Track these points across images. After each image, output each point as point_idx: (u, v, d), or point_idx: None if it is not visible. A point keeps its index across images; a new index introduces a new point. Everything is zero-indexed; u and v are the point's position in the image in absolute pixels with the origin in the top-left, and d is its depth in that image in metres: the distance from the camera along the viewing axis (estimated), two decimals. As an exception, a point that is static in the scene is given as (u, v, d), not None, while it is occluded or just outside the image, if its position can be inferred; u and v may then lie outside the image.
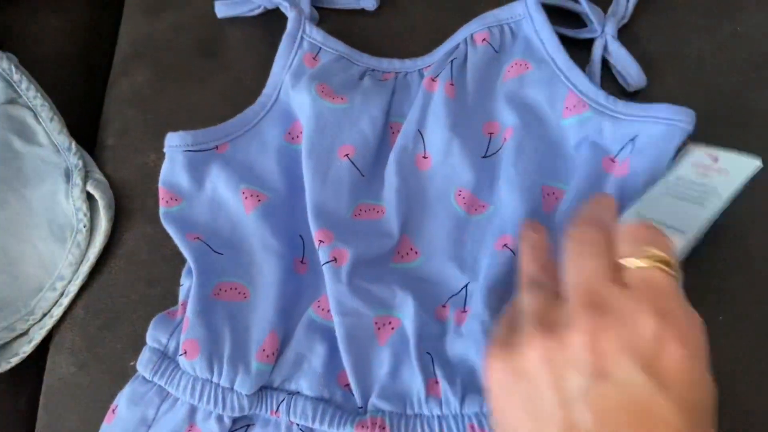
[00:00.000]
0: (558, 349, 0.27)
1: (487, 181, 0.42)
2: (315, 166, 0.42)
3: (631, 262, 0.29)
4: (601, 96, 0.42)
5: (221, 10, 0.51)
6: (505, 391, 0.29)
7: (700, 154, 0.41)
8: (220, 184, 0.43)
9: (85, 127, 0.52)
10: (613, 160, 0.41)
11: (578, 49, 0.45)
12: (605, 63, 0.45)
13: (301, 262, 0.43)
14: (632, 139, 0.40)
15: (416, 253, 0.41)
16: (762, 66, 0.46)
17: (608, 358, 0.26)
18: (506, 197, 0.41)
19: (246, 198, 0.43)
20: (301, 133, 0.45)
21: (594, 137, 0.41)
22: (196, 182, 0.43)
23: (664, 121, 0.40)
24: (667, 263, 0.28)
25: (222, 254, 0.42)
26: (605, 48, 0.45)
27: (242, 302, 0.41)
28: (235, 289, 0.41)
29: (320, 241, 0.40)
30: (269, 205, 0.43)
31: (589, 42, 0.46)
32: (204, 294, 0.40)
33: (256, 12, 0.50)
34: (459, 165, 0.42)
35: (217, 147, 0.45)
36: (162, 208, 0.43)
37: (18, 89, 0.50)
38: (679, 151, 0.40)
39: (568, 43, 0.45)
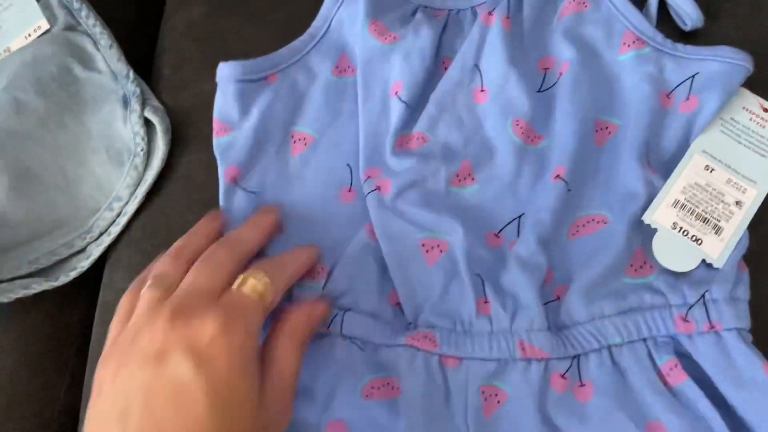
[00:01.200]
0: (129, 341, 0.32)
1: (542, 114, 0.43)
2: (369, 106, 0.44)
3: (237, 284, 0.35)
4: (658, 36, 0.43)
5: None
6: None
7: (751, 100, 0.42)
8: (270, 118, 0.44)
9: (140, 58, 0.53)
10: (669, 96, 0.42)
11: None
12: (662, 3, 0.45)
13: (349, 191, 0.44)
14: (692, 77, 0.41)
15: (473, 179, 0.42)
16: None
17: (168, 349, 0.31)
18: (561, 130, 0.42)
19: (294, 142, 0.44)
20: (348, 66, 0.46)
21: (652, 73, 0.42)
22: (245, 112, 0.45)
23: (726, 60, 0.40)
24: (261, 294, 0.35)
25: (255, 193, 0.43)
26: (661, -12, 0.45)
27: (279, 235, 0.42)
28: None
29: (368, 176, 0.42)
30: (316, 146, 0.44)
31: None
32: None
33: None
34: (516, 96, 0.43)
35: (266, 77, 0.46)
36: (214, 139, 0.44)
37: (78, 17, 0.51)
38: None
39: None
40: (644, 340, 0.37)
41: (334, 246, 0.42)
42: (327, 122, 0.45)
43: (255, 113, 0.44)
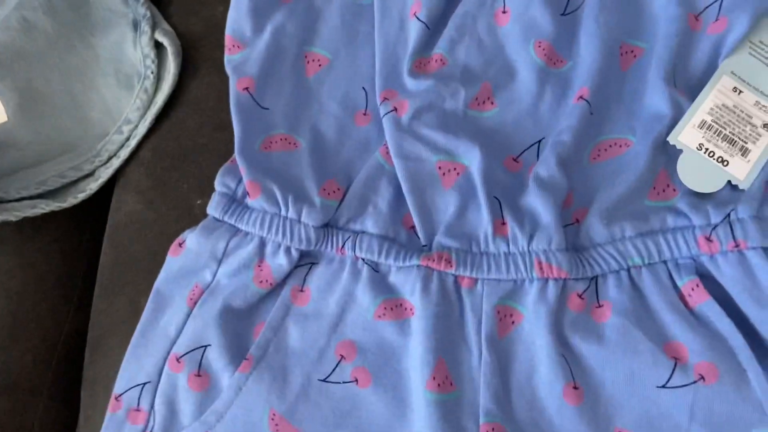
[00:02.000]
0: None
1: (566, 37, 0.42)
2: (386, 27, 0.42)
3: None
4: None
5: None
6: None
7: None
8: (284, 36, 0.43)
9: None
10: (697, 18, 0.40)
11: None
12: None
13: (364, 114, 0.42)
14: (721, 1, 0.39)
15: (492, 102, 0.41)
16: None
17: None
18: (585, 52, 0.40)
19: (309, 62, 0.43)
20: None
21: None
22: (259, 28, 0.43)
23: None
24: None
25: (268, 109, 0.42)
26: None
27: (293, 151, 0.41)
28: (285, 139, 0.41)
29: (384, 98, 0.41)
30: (330, 68, 0.43)
31: None
32: (250, 148, 0.41)
33: None
34: (539, 17, 0.41)
35: None
36: (226, 56, 0.43)
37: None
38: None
39: None
40: (665, 261, 0.36)
41: (349, 167, 0.41)
42: (343, 44, 0.44)
43: (269, 30, 0.43)
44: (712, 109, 0.38)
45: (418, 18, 0.42)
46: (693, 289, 0.35)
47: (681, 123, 0.38)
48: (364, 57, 0.43)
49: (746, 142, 0.37)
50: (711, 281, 0.35)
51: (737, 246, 0.35)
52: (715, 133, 0.37)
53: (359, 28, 0.44)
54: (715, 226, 0.35)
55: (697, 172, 0.37)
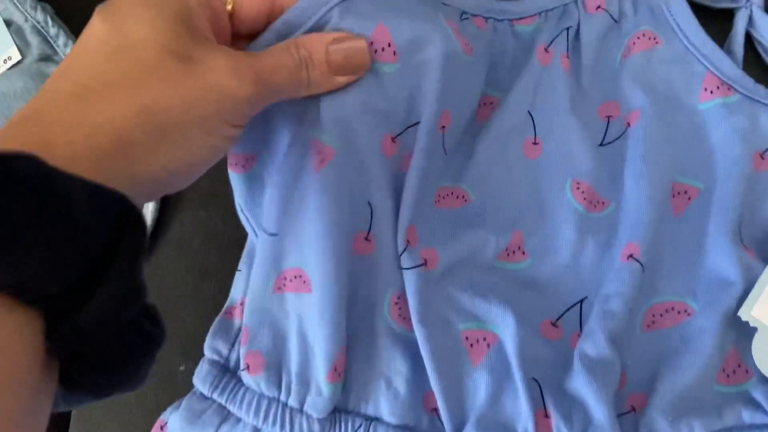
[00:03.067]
0: None
1: (605, 174, 0.36)
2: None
3: None
4: (748, 81, 0.35)
5: None
6: None
7: None
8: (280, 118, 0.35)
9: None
10: (763, 157, 0.34)
11: (714, 21, 0.38)
12: (748, 39, 0.38)
13: (366, 238, 0.34)
14: None
15: (524, 253, 0.35)
16: None
17: None
18: (631, 194, 0.34)
19: (316, 154, 0.33)
20: (389, 44, 0.33)
21: (744, 127, 0.34)
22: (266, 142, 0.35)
23: None
24: None
25: (276, 234, 0.34)
26: (750, 20, 0.38)
27: (308, 295, 0.33)
28: (300, 277, 0.33)
29: (408, 241, 0.34)
30: (336, 165, 0.33)
31: (729, 12, 0.38)
32: (259, 289, 0.34)
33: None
34: (577, 152, 0.35)
35: None
36: (230, 171, 0.35)
37: (55, 45, 0.44)
38: None
39: (701, 12, 0.38)
40: None
41: (352, 317, 0.33)
42: (347, 129, 0.33)
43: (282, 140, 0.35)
44: None
45: (443, 134, 0.35)
46: None
47: (753, 294, 0.32)
48: (370, 153, 0.34)
49: None
50: None
51: None
52: None
53: (370, 105, 0.34)
54: None
55: None
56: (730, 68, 0.36)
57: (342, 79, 0.32)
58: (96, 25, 0.27)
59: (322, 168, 0.33)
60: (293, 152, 0.34)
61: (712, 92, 0.35)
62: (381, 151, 0.34)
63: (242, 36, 0.33)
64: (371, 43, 0.33)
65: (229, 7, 0.31)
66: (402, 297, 0.34)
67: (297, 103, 0.34)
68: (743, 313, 0.31)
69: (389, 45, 0.33)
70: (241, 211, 0.36)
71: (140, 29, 0.27)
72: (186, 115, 0.26)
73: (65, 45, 0.43)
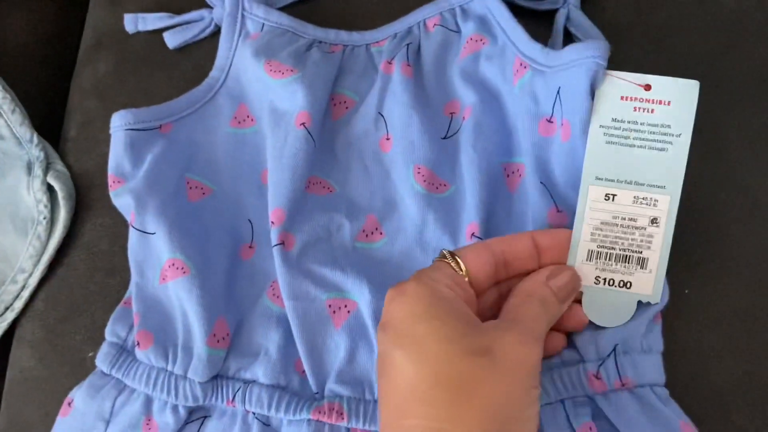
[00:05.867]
0: None
1: (447, 161, 0.41)
2: (273, 142, 0.41)
3: None
4: (537, 50, 0.39)
5: (171, 41, 0.48)
6: None
7: (625, 85, 0.35)
8: (163, 164, 0.42)
9: (50, 119, 0.51)
10: (550, 121, 0.38)
11: (540, 21, 0.44)
12: (567, 34, 0.44)
13: (249, 246, 0.42)
14: (557, 93, 0.37)
15: (381, 233, 0.40)
16: (728, 31, 0.44)
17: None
18: (468, 179, 0.40)
19: (190, 188, 0.42)
20: (248, 116, 0.44)
21: (529, 105, 0.39)
22: (139, 160, 0.42)
23: (576, 62, 0.35)
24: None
25: (154, 233, 0.40)
26: (568, 18, 0.43)
27: (185, 278, 0.38)
28: (174, 265, 0.39)
29: (272, 222, 0.39)
30: (214, 198, 0.42)
31: (552, 13, 0.44)
32: (146, 284, 0.40)
33: (209, 31, 0.48)
34: (418, 141, 0.41)
35: (160, 126, 0.43)
36: (110, 193, 0.42)
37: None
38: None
39: (529, 15, 0.43)
40: (562, 400, 0.35)
41: (238, 304, 0.40)
42: (225, 176, 0.43)
43: (148, 159, 0.41)
44: (592, 233, 0.35)
45: (306, 129, 0.41)
46: None
47: (569, 262, 0.36)
48: (248, 187, 0.43)
49: (641, 251, 0.35)
50: (606, 422, 0.34)
51: (624, 384, 0.33)
52: (605, 258, 0.35)
53: (242, 158, 0.43)
54: (602, 362, 0.34)
55: (604, 308, 0.35)
56: (528, 46, 0.39)
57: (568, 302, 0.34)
58: (398, 360, 0.28)
59: (199, 200, 0.41)
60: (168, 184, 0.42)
61: (517, 73, 0.40)
62: (261, 181, 0.43)
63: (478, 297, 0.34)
64: (235, 118, 0.43)
65: (466, 279, 0.32)
66: (277, 283, 0.39)
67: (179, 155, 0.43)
68: None
69: (248, 117, 0.44)
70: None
71: (436, 347, 0.28)
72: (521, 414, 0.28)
73: (12, 112, 0.48)
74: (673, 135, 0.35)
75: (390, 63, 0.43)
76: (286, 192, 0.40)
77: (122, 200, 0.41)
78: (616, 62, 0.42)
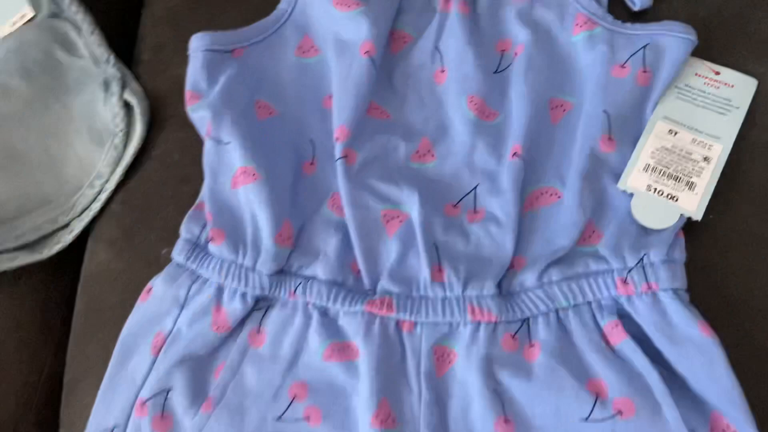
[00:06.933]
0: None
1: (497, 93, 0.45)
2: (338, 69, 0.45)
3: None
4: (608, 17, 0.45)
5: None
6: None
7: (702, 66, 0.44)
8: (235, 84, 0.46)
9: (122, 43, 0.55)
10: (623, 66, 0.43)
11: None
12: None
13: (311, 163, 0.46)
14: (644, 48, 0.43)
15: (433, 156, 0.45)
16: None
17: None
18: (515, 108, 0.44)
19: (259, 108, 0.46)
20: (312, 47, 0.48)
21: (605, 52, 0.44)
22: (213, 80, 0.46)
23: (673, 34, 0.43)
24: None
25: (229, 143, 0.44)
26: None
27: (255, 183, 0.42)
28: (245, 172, 0.43)
29: (336, 138, 0.43)
30: (280, 118, 0.46)
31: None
32: (219, 188, 0.44)
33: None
34: (472, 73, 0.45)
35: (233, 51, 0.48)
36: (187, 108, 0.46)
37: (61, 4, 0.54)
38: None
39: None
40: (589, 303, 0.39)
41: (300, 211, 0.44)
42: (290, 100, 0.47)
43: (221, 80, 0.46)
44: (653, 152, 0.41)
45: (370, 58, 0.45)
46: (613, 329, 0.38)
47: (627, 169, 0.41)
48: (311, 110, 0.47)
49: (691, 177, 0.41)
50: (630, 320, 0.38)
51: (650, 288, 0.38)
52: (660, 173, 0.41)
53: (306, 84, 0.47)
54: (630, 270, 0.38)
55: (650, 212, 0.40)
56: (595, 8, 0.45)
57: None
58: None
59: (266, 118, 0.45)
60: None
61: (581, 26, 0.45)
62: (323, 106, 0.46)
63: None
64: (299, 48, 0.48)
65: None
66: (337, 195, 0.44)
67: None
68: (621, 184, 0.41)
69: (312, 47, 0.48)
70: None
71: None
72: None
73: (70, 4, 0.53)
74: (732, 106, 0.42)
75: (448, 1, 0.47)
76: (350, 112, 0.44)
77: (198, 114, 0.46)
78: (655, 15, 0.46)
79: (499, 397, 0.38)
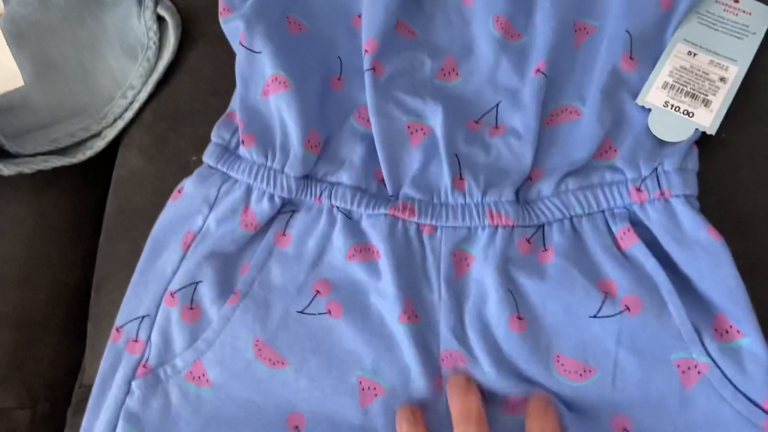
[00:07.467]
0: None
1: (522, 14, 0.46)
2: None
3: None
4: None
5: None
6: None
7: None
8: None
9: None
10: None
11: None
12: None
13: (338, 78, 0.47)
14: None
15: (457, 74, 0.46)
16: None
17: None
18: (540, 28, 0.45)
19: (290, 23, 0.47)
20: None
21: None
22: None
23: None
24: None
25: (260, 52, 0.45)
26: None
27: (286, 92, 0.44)
28: (277, 80, 0.44)
29: (365, 50, 0.45)
30: (309, 34, 0.47)
31: None
32: (250, 96, 0.45)
33: None
34: None
35: None
36: (221, 20, 0.47)
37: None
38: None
39: None
40: (603, 211, 0.41)
41: (328, 121, 0.45)
42: (320, 17, 0.48)
43: None
44: (671, 71, 0.43)
45: None
46: (624, 233, 0.40)
47: (646, 86, 0.43)
48: (340, 28, 0.48)
49: (707, 95, 0.42)
50: (642, 227, 0.40)
51: (663, 195, 0.39)
52: (678, 91, 0.42)
53: (335, 3, 0.48)
54: (645, 178, 0.40)
55: (667, 126, 0.41)
56: None
57: None
58: None
59: (297, 33, 0.46)
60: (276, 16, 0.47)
61: None
62: (352, 25, 0.47)
63: None
64: None
65: None
66: (363, 108, 0.45)
67: None
68: (640, 100, 0.42)
69: None
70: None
71: None
72: None
73: None
74: (749, 32, 0.44)
75: None
76: (380, 26, 0.45)
77: (231, 25, 0.47)
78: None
79: (512, 296, 0.40)
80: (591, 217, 0.41)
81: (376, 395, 0.41)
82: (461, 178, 0.43)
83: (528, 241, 0.41)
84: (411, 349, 0.40)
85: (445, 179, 0.43)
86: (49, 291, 0.49)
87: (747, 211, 0.41)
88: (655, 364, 0.38)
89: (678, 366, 0.38)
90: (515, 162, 0.43)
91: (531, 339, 0.39)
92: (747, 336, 0.37)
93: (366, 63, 0.45)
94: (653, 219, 0.40)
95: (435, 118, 0.44)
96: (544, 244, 0.41)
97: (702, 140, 0.42)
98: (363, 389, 0.41)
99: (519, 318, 0.40)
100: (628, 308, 0.38)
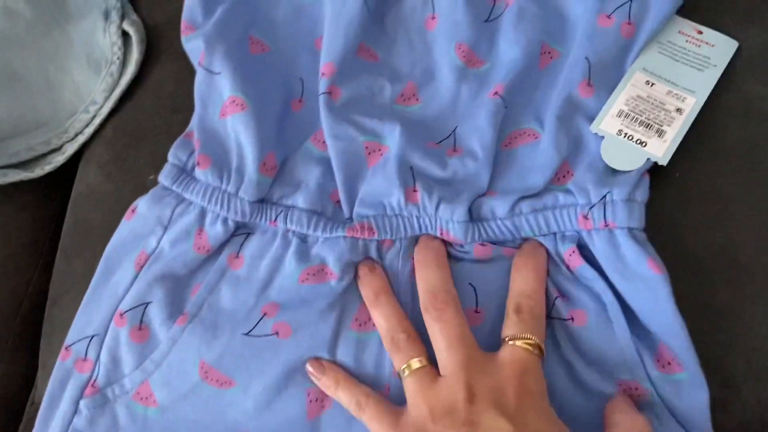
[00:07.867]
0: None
1: (485, 42, 0.46)
2: (332, 6, 0.46)
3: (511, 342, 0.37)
4: None
5: None
6: None
7: (686, 25, 0.45)
8: (230, 17, 0.47)
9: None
10: (609, 17, 0.44)
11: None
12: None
13: (299, 101, 0.47)
14: (630, 2, 0.44)
15: (417, 99, 0.46)
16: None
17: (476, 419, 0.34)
18: (504, 55, 0.45)
19: (252, 43, 0.47)
20: None
21: (594, 4, 0.44)
22: (209, 12, 0.47)
23: None
24: (537, 347, 0.37)
25: (219, 73, 0.45)
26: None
27: (243, 113, 0.44)
28: (234, 102, 0.44)
29: (323, 73, 0.45)
30: (271, 55, 0.47)
31: None
32: (208, 117, 0.45)
33: None
34: (462, 21, 0.46)
35: None
36: (182, 38, 0.47)
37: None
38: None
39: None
40: (554, 233, 0.41)
41: (285, 144, 0.45)
42: (283, 38, 0.48)
43: (218, 12, 0.47)
44: (627, 100, 0.43)
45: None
46: (571, 255, 0.40)
47: (601, 113, 0.42)
48: (303, 50, 0.48)
49: (662, 125, 0.42)
50: (589, 251, 0.40)
51: (607, 225, 0.39)
52: (632, 120, 0.42)
53: (299, 25, 0.48)
54: (592, 206, 0.40)
55: (619, 154, 0.41)
56: None
57: None
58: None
59: (258, 53, 0.46)
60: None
61: None
62: (315, 47, 0.48)
63: None
64: None
65: None
66: (321, 131, 0.45)
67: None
68: (593, 127, 0.42)
69: None
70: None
71: None
72: None
73: None
74: (710, 64, 0.44)
75: None
76: (339, 50, 0.45)
77: (193, 44, 0.47)
78: None
79: (474, 290, 0.41)
80: (542, 238, 0.41)
81: (323, 407, 0.41)
82: (414, 190, 0.42)
83: (482, 245, 0.41)
84: (362, 355, 0.41)
85: (397, 191, 0.42)
86: (5, 306, 0.49)
87: (699, 249, 0.41)
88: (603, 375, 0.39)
89: (620, 386, 0.38)
90: (471, 181, 0.42)
91: (488, 334, 0.40)
92: (686, 371, 0.37)
93: (322, 86, 0.45)
94: (598, 247, 0.40)
95: (392, 138, 0.44)
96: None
97: (656, 176, 0.41)
98: (310, 401, 0.40)
99: (476, 312, 0.41)
100: (572, 319, 0.39)
